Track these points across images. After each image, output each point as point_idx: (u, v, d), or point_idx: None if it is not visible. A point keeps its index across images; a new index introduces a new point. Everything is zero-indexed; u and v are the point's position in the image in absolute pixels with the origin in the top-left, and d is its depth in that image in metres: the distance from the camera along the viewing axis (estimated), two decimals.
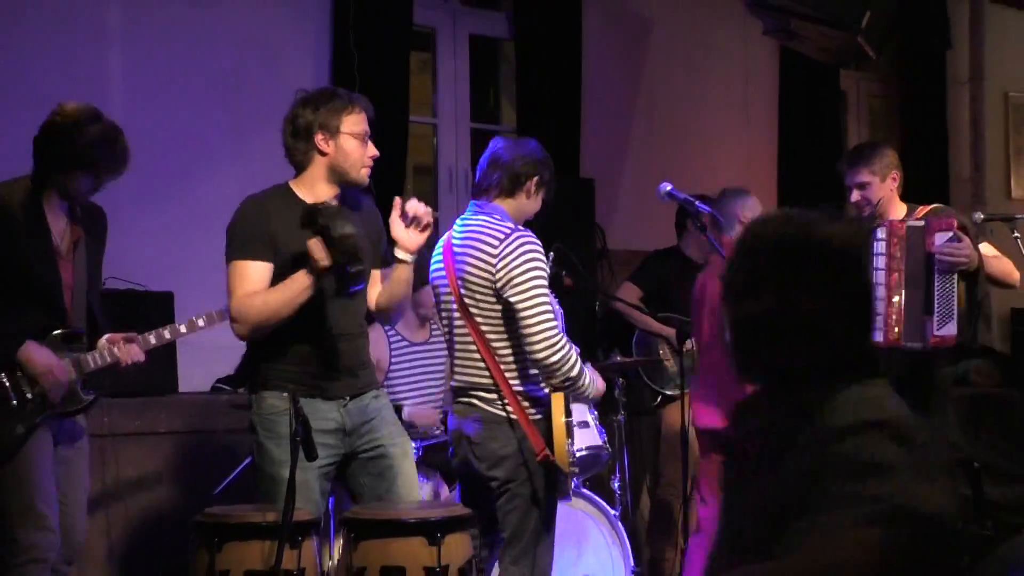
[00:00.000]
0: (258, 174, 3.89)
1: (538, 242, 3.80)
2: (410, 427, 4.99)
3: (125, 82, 5.66)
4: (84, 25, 5.56)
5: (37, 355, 3.79)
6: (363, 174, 3.73)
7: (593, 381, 3.85)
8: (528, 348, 3.69)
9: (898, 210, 4.71)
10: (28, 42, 5.37)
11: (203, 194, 5.72)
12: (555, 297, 3.89)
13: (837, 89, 8.34)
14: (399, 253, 3.70)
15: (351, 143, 3.67)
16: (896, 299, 4.47)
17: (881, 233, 4.53)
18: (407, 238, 3.67)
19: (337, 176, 3.70)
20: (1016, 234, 5.06)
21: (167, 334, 4.02)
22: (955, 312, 4.56)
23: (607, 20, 7.24)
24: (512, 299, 3.70)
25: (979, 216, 5.61)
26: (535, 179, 3.89)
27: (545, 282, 3.75)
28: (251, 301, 3.55)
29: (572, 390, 3.78)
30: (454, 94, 6.86)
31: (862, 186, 4.66)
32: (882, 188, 4.68)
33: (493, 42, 7.14)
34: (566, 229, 4.65)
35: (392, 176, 6.11)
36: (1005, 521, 6.36)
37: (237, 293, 3.58)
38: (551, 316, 3.71)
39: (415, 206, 3.65)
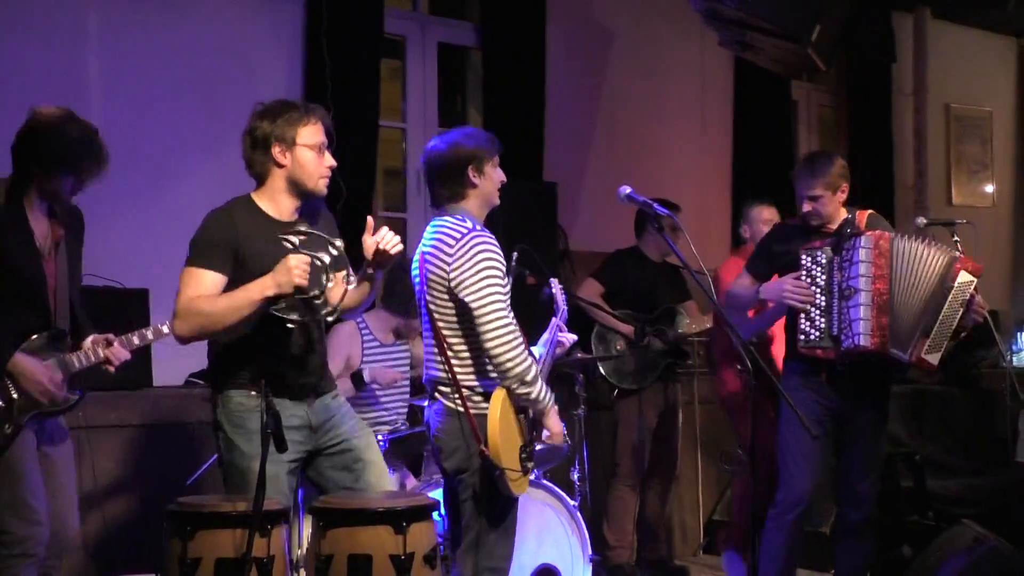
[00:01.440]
0: (231, 177, 3.84)
1: (493, 243, 3.71)
2: (375, 399, 4.97)
3: (103, 87, 5.61)
4: (63, 32, 5.51)
5: (27, 365, 3.74)
6: (320, 184, 3.66)
7: (546, 397, 3.73)
8: (484, 346, 3.64)
9: (840, 216, 4.73)
10: (7, 48, 5.31)
11: (178, 196, 5.68)
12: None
13: (789, 99, 8.39)
14: (367, 268, 3.67)
15: (307, 154, 3.61)
16: (885, 308, 4.47)
17: (865, 242, 4.51)
18: (375, 261, 3.62)
19: (295, 187, 3.64)
20: (956, 238, 5.09)
21: (149, 335, 3.98)
22: (945, 345, 4.58)
23: (570, 31, 7.25)
24: (467, 299, 3.63)
25: (921, 221, 5.65)
26: (470, 167, 3.80)
27: (499, 282, 3.67)
28: (196, 304, 3.49)
29: (524, 391, 3.66)
30: (423, 100, 6.85)
31: (814, 199, 4.68)
32: (833, 200, 4.70)
33: (460, 50, 7.13)
34: (530, 230, 4.64)
35: (363, 179, 6.09)
36: (945, 511, 6.45)
37: (186, 294, 3.51)
38: (505, 315, 3.64)
39: (386, 238, 3.58)
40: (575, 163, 7.23)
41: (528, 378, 3.64)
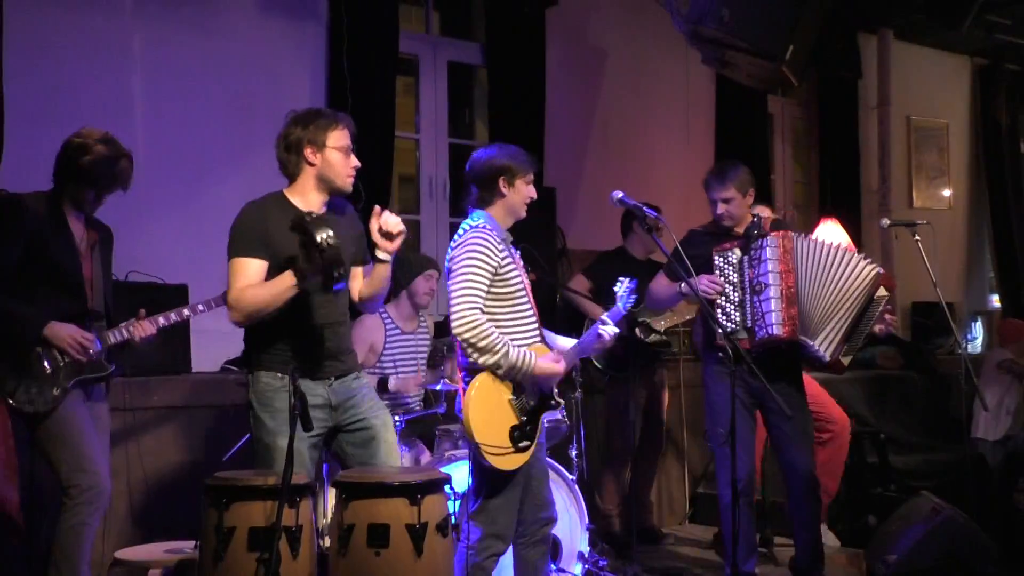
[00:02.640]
0: (261, 181, 3.84)
1: (487, 240, 3.75)
2: (395, 396, 4.97)
3: (146, 102, 5.61)
4: (110, 53, 5.51)
5: (59, 328, 3.86)
6: (347, 182, 3.70)
7: (517, 362, 3.71)
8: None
9: (747, 219, 4.75)
10: (59, 68, 5.31)
11: (213, 199, 5.68)
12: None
13: (765, 112, 8.38)
14: (379, 253, 3.68)
15: (335, 155, 3.65)
16: (793, 299, 4.48)
17: (771, 242, 4.54)
18: (383, 243, 3.64)
19: (324, 184, 3.67)
20: (917, 237, 5.10)
21: (174, 316, 4.10)
22: (856, 347, 4.62)
23: (567, 51, 7.24)
24: (448, 283, 3.75)
25: (885, 222, 5.65)
26: (501, 178, 3.86)
27: (476, 269, 3.70)
28: (245, 294, 3.51)
29: (480, 359, 3.67)
30: (434, 113, 6.84)
31: (727, 200, 4.71)
32: (743, 202, 4.73)
33: (468, 68, 7.12)
34: (531, 231, 4.64)
35: (380, 185, 6.09)
36: (907, 484, 6.45)
37: (235, 285, 3.55)
38: (468, 296, 3.67)
39: (387, 219, 3.60)
40: (572, 170, 7.23)
41: (480, 344, 3.66)
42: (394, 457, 3.80)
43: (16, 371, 3.84)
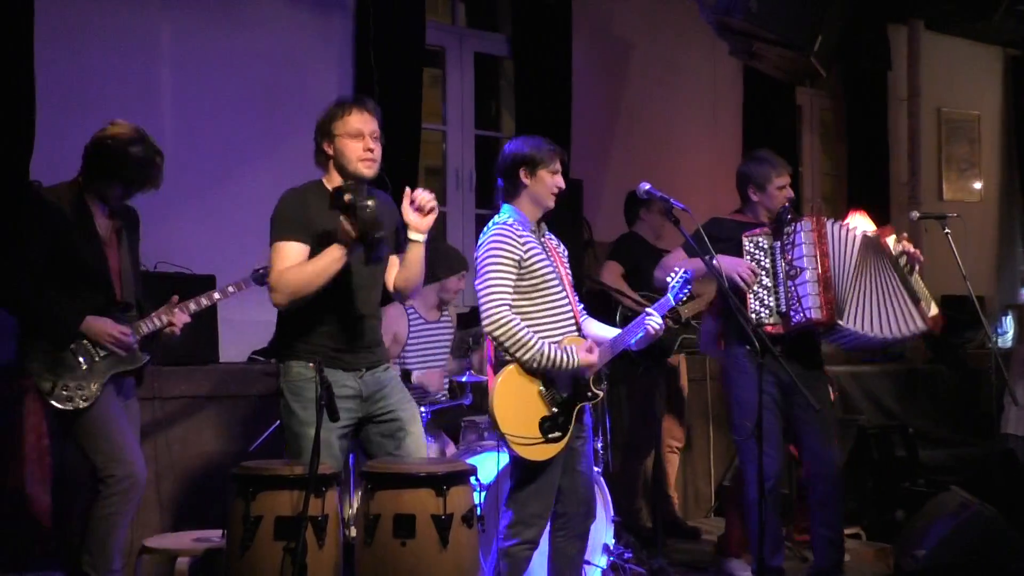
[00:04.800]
0: (288, 172, 3.87)
1: (507, 235, 3.78)
2: (419, 390, 4.98)
3: (174, 94, 5.64)
4: (138, 44, 5.53)
5: (96, 323, 3.88)
6: (360, 167, 3.68)
7: (555, 360, 3.73)
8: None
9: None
10: (89, 60, 5.35)
11: (240, 191, 5.71)
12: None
13: (793, 104, 8.32)
14: (411, 234, 3.69)
15: (344, 141, 3.67)
16: (829, 283, 4.47)
17: (806, 226, 4.54)
18: (416, 221, 3.66)
19: (342, 171, 3.69)
20: (947, 230, 5.06)
21: (204, 300, 4.14)
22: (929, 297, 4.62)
23: (593, 42, 7.22)
24: (475, 280, 3.79)
25: (915, 215, 5.61)
26: (522, 169, 3.87)
27: (499, 265, 3.73)
28: (286, 274, 3.54)
29: (520, 353, 3.70)
30: (461, 105, 6.85)
31: (783, 187, 4.72)
32: None
33: (495, 60, 7.11)
34: (558, 223, 4.64)
35: (407, 176, 6.09)
36: (935, 479, 6.40)
37: (277, 267, 3.57)
38: (495, 293, 3.71)
39: (420, 195, 3.65)
40: (598, 162, 7.21)
41: (509, 343, 3.70)
42: (422, 449, 3.81)
43: (52, 369, 3.84)
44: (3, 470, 4.24)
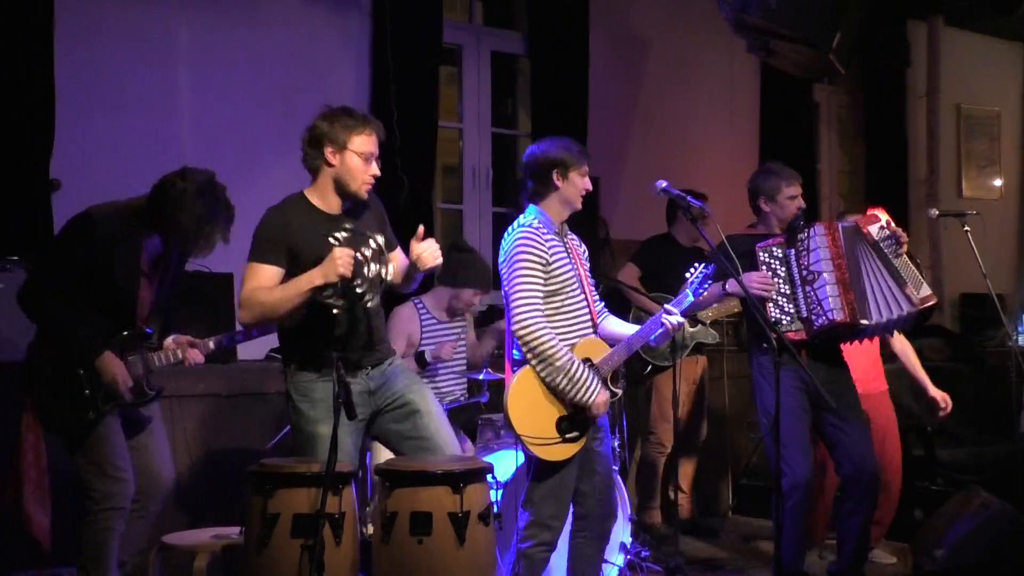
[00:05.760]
0: (303, 173, 3.85)
1: (532, 238, 3.78)
2: (436, 363, 4.99)
3: (191, 93, 5.66)
4: (156, 44, 5.56)
5: (109, 367, 3.83)
6: (362, 189, 3.63)
7: (569, 388, 3.71)
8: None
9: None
10: (108, 58, 5.37)
11: (257, 190, 5.66)
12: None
13: (811, 101, 8.29)
14: (411, 267, 3.66)
15: (355, 160, 3.59)
16: (847, 284, 4.45)
17: (820, 230, 4.51)
18: (415, 263, 3.60)
19: (340, 187, 3.62)
20: (967, 228, 5.03)
21: (224, 341, 4.11)
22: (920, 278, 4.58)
23: (611, 40, 7.21)
24: (503, 285, 3.78)
25: (934, 212, 5.58)
26: (555, 171, 3.87)
27: (526, 267, 3.74)
28: (256, 295, 3.51)
29: (543, 367, 3.71)
30: (477, 103, 6.85)
31: (794, 197, 4.70)
32: None
33: (511, 58, 7.11)
34: (574, 221, 4.63)
35: (423, 175, 6.10)
36: (954, 478, 6.37)
37: (247, 286, 3.54)
38: (526, 296, 3.71)
39: (424, 255, 3.56)
40: (615, 160, 7.20)
41: (533, 351, 3.70)
42: (438, 425, 3.74)
43: (55, 390, 3.82)
44: (1, 483, 4.16)
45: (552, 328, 3.77)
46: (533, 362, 3.73)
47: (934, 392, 5.35)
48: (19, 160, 4.91)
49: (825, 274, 4.46)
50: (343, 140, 3.59)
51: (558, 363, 3.71)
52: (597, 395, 3.75)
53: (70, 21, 5.13)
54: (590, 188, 3.95)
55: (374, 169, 3.63)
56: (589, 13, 6.90)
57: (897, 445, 5.37)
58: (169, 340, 4.03)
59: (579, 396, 3.74)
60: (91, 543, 3.86)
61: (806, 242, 4.52)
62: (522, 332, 3.71)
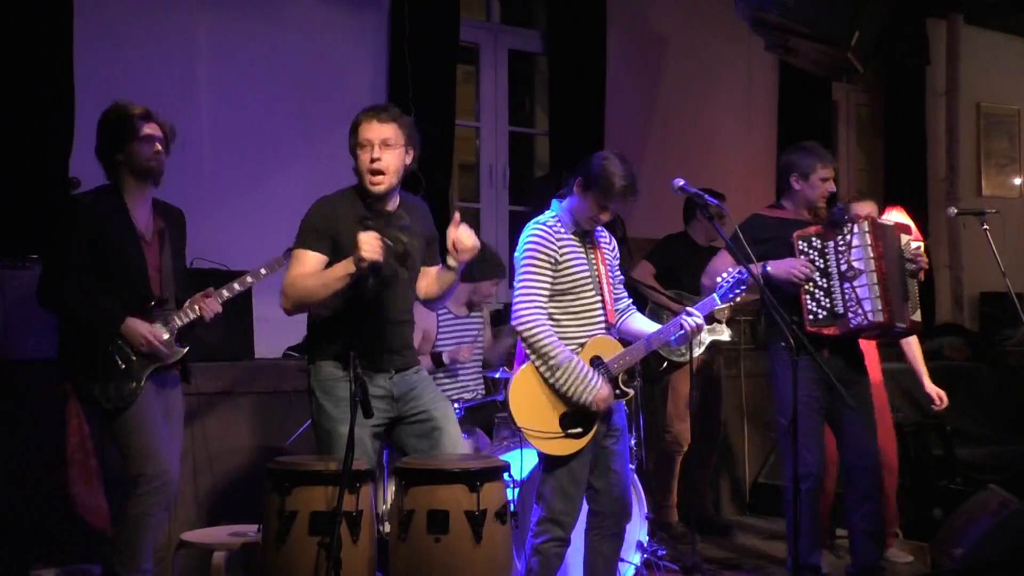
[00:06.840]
0: (322, 170, 3.88)
1: (543, 235, 3.80)
2: (454, 365, 5.00)
3: (210, 93, 5.68)
4: (176, 43, 5.58)
5: (135, 327, 3.90)
6: (368, 180, 3.62)
7: (567, 385, 3.73)
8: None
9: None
10: (128, 58, 5.39)
11: (276, 188, 5.75)
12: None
13: (829, 99, 8.26)
14: (449, 260, 3.69)
15: (357, 154, 3.64)
16: (887, 285, 4.43)
17: (862, 227, 4.47)
18: (454, 254, 3.66)
19: (361, 185, 3.65)
20: (986, 226, 5.00)
21: (237, 286, 4.17)
22: (918, 303, 4.60)
23: (628, 38, 7.20)
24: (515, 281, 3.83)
25: (953, 211, 5.55)
26: (579, 179, 3.87)
27: (533, 264, 3.76)
28: (296, 281, 3.55)
29: (541, 363, 3.73)
30: (494, 101, 6.85)
31: (826, 179, 4.66)
32: None
33: (529, 56, 7.11)
34: None
35: (440, 173, 6.10)
36: (973, 477, 6.34)
37: (290, 273, 3.59)
38: (528, 293, 3.74)
39: (462, 238, 3.62)
40: (632, 157, 7.04)
41: (532, 347, 3.74)
42: (459, 447, 3.80)
43: (91, 370, 3.88)
44: (50, 471, 4.28)
45: (559, 327, 3.79)
46: (532, 358, 3.75)
47: (929, 387, 5.32)
48: (38, 159, 4.93)
49: (866, 273, 4.42)
50: (352, 143, 3.66)
51: (553, 361, 3.73)
52: (595, 393, 3.75)
53: (89, 21, 5.15)
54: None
55: (374, 152, 3.60)
56: (607, 11, 6.89)
57: (891, 435, 5.32)
58: (186, 302, 4.11)
59: (576, 393, 3.75)
60: (129, 526, 3.90)
61: (848, 237, 4.46)
62: (521, 328, 3.75)
